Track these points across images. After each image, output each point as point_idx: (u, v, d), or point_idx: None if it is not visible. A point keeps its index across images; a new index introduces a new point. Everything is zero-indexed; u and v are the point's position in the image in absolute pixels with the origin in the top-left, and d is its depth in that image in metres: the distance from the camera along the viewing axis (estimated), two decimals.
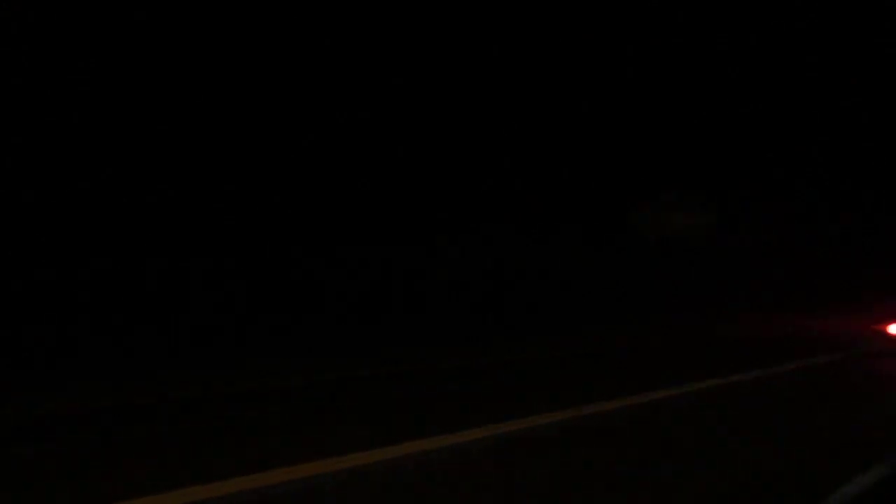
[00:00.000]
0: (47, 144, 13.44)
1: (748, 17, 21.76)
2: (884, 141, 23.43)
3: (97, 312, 13.47)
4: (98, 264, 13.80)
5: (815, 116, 23.09)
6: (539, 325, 17.29)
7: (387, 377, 9.72)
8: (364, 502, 4.05)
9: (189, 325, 14.09)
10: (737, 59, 22.26)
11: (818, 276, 20.49)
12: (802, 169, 23.46)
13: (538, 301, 18.84)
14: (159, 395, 8.32)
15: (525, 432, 5.81)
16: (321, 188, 16.75)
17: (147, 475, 4.59)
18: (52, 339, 12.33)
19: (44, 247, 13.15)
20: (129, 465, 4.91)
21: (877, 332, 12.67)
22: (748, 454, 5.12)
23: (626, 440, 5.65)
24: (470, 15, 18.14)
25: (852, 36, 22.43)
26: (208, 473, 4.53)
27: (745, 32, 22.00)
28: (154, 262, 14.47)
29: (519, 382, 9.12)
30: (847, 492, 4.24)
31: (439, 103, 18.07)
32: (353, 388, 8.63)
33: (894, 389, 8.67)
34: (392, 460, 4.89)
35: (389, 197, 17.29)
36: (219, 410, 7.25)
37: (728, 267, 21.46)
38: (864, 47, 22.58)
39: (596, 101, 20.71)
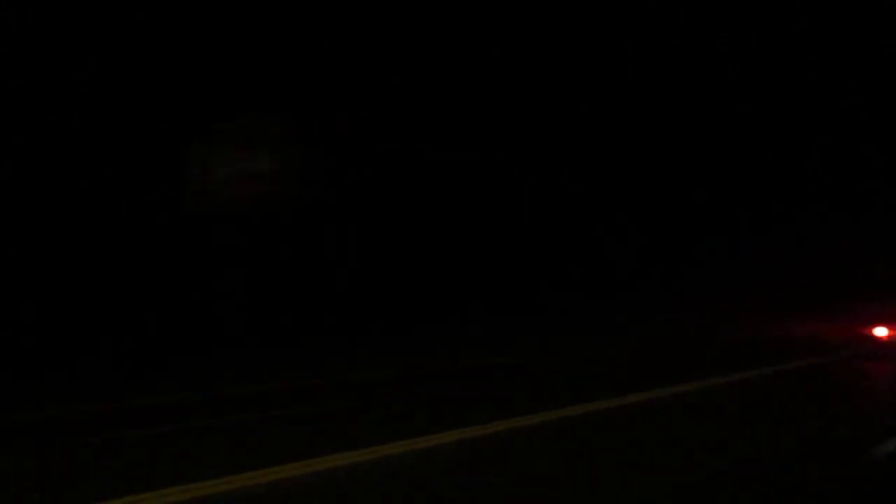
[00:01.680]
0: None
1: None
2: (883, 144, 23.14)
3: None
4: None
5: (808, 118, 22.62)
6: None
7: None
8: None
9: None
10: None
11: (804, 279, 20.64)
12: (794, 171, 23.25)
13: None
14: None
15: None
16: None
17: None
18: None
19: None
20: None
21: (864, 335, 12.91)
22: (739, 447, 5.44)
23: (628, 433, 5.96)
24: None
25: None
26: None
27: None
28: None
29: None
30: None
31: None
32: None
33: (877, 390, 8.98)
34: None
35: None
36: None
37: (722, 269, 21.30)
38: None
39: None
